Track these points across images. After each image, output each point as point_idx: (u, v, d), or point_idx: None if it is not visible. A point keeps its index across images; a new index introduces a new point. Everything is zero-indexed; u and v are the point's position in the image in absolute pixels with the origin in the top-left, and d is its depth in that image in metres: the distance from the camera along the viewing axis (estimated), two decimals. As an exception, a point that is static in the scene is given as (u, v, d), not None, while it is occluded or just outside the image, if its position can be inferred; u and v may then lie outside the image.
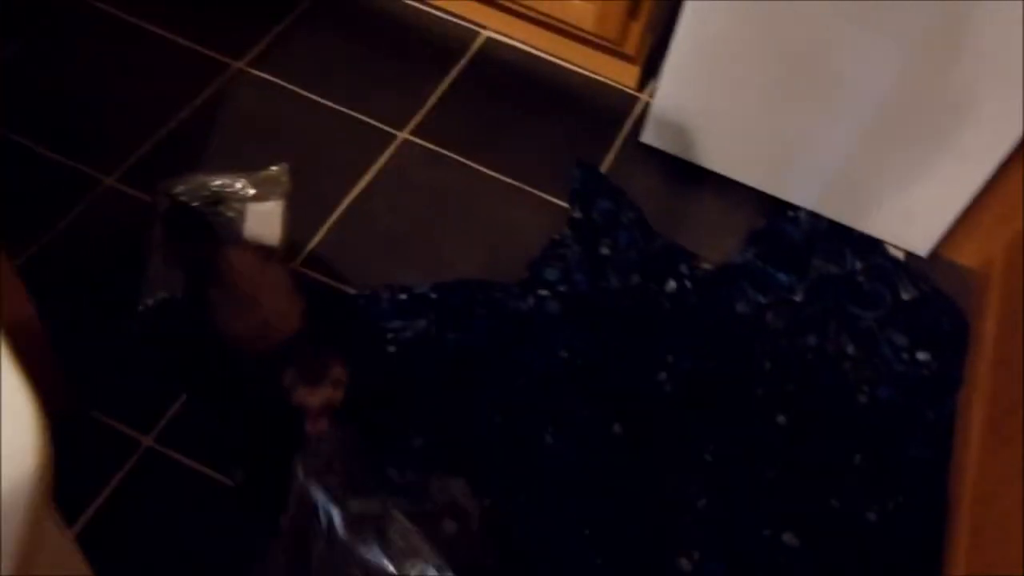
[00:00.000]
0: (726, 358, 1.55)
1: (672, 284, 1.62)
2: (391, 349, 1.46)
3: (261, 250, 1.49)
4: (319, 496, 1.22)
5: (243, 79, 1.85)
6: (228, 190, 1.61)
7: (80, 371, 1.35)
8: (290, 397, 1.27)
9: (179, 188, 1.59)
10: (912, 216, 1.73)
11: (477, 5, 1.99)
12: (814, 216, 1.79)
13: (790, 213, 1.79)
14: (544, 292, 1.54)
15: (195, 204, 1.58)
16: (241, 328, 1.34)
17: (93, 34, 1.87)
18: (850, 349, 1.62)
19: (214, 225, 1.57)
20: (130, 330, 1.43)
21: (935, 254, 1.78)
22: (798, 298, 1.67)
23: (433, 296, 1.52)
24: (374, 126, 1.82)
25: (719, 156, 1.81)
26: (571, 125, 1.90)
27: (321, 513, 1.21)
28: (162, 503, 1.31)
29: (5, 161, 1.63)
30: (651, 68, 1.98)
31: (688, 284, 1.62)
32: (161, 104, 1.78)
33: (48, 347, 1.23)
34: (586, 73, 1.99)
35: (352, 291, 1.55)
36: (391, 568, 1.19)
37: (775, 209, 1.80)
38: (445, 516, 1.26)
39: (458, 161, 1.79)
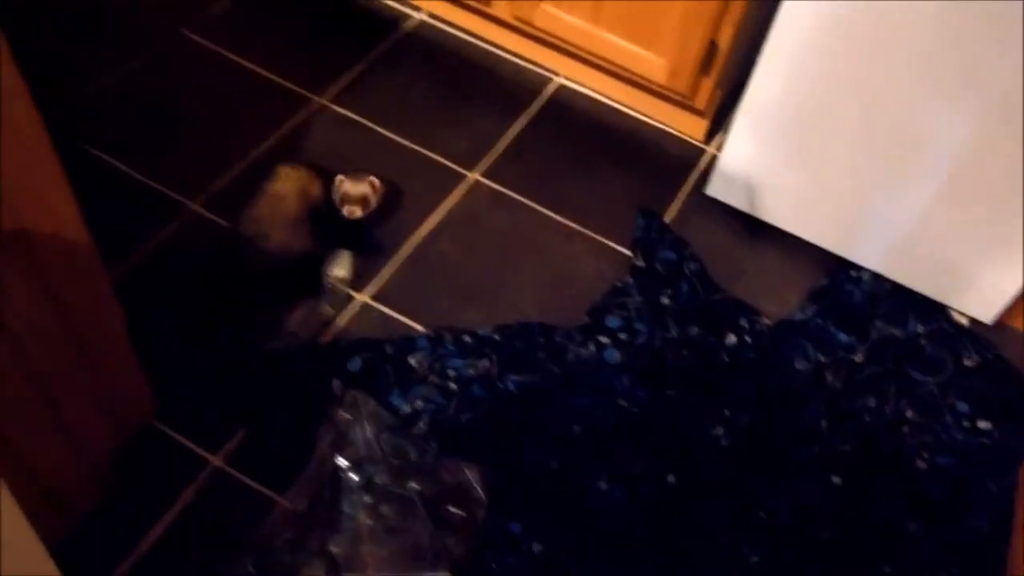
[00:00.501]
0: (783, 415, 1.56)
1: (732, 338, 1.63)
2: (452, 387, 1.49)
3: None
4: (338, 464, 1.35)
5: (324, 114, 1.92)
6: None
7: (159, 385, 1.41)
8: (337, 191, 1.61)
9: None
10: (977, 282, 1.72)
11: (551, 52, 2.04)
12: (877, 277, 1.79)
13: (853, 273, 1.80)
14: (605, 339, 1.57)
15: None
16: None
17: (191, 65, 1.97)
18: (910, 413, 1.62)
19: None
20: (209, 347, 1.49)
21: (1000, 322, 1.77)
22: (858, 359, 1.67)
23: (496, 338, 1.56)
24: (446, 166, 1.88)
25: (783, 212, 1.83)
26: (638, 174, 1.93)
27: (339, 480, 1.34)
28: (226, 522, 1.35)
29: (101, 182, 1.72)
30: (719, 121, 2.01)
31: (748, 339, 1.63)
32: (248, 134, 1.86)
33: (133, 360, 1.29)
34: (655, 123, 2.03)
35: (420, 328, 1.60)
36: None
37: (838, 268, 1.81)
38: (451, 501, 1.36)
39: (525, 204, 1.84)
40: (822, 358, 1.67)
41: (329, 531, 1.32)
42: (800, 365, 1.65)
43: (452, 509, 1.36)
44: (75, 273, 1.05)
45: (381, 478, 1.37)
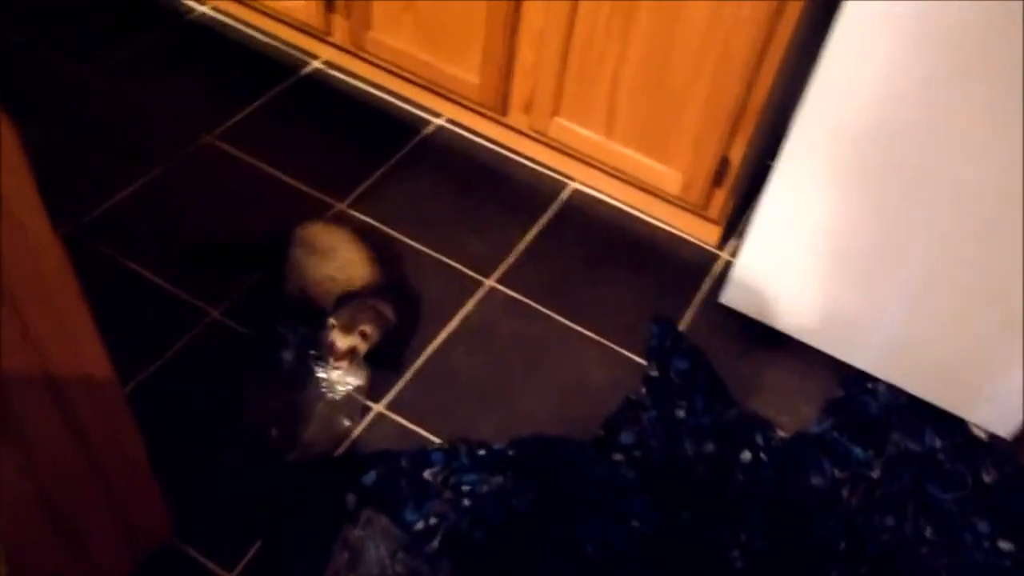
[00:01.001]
0: (800, 536, 1.54)
1: (747, 455, 1.63)
2: (466, 503, 1.49)
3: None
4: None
5: (341, 219, 1.96)
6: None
7: (177, 501, 1.41)
8: (325, 337, 1.56)
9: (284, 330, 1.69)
10: (995, 396, 1.72)
11: (566, 158, 2.08)
12: (893, 389, 1.79)
13: (869, 385, 1.79)
14: (619, 457, 1.57)
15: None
16: (316, 277, 1.65)
17: (213, 171, 2.02)
18: (928, 532, 1.59)
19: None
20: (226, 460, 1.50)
21: (1020, 436, 1.75)
22: (875, 474, 1.66)
23: (510, 453, 1.56)
24: (463, 272, 1.90)
25: (798, 322, 1.84)
26: (652, 280, 1.95)
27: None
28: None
29: (126, 289, 1.75)
30: (733, 225, 2.03)
31: (763, 456, 1.62)
32: (267, 239, 1.89)
33: (150, 476, 1.29)
34: (668, 229, 2.06)
35: (435, 439, 1.60)
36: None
37: (854, 379, 1.80)
38: None
39: (540, 311, 1.85)
40: (838, 473, 1.66)
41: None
42: (816, 481, 1.64)
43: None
44: (98, 407, 1.06)
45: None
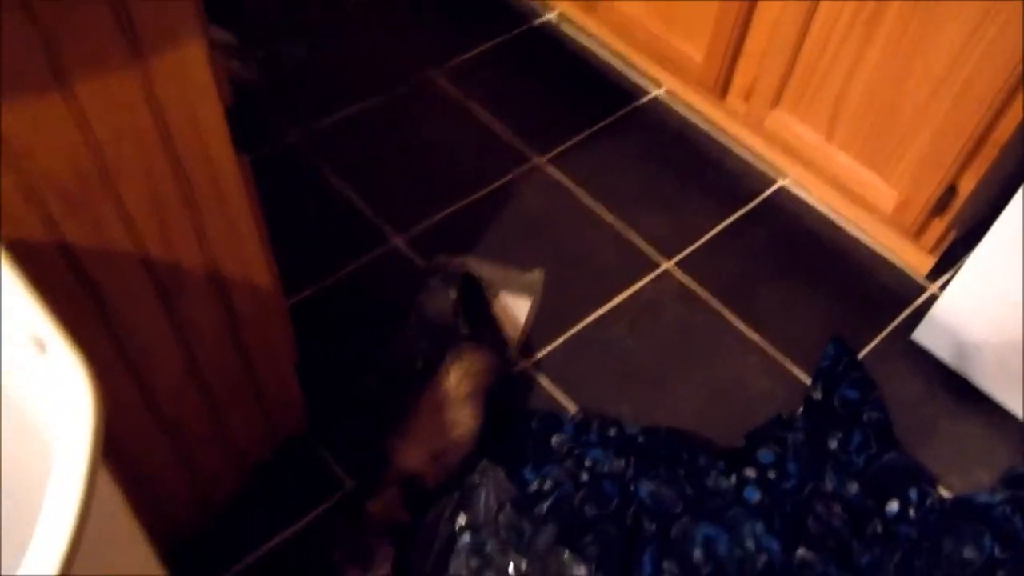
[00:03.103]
0: (931, 606, 1.41)
1: (894, 505, 1.50)
2: (584, 477, 1.49)
3: (484, 352, 1.56)
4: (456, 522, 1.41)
5: (538, 174, 1.98)
6: (486, 275, 1.73)
7: (316, 404, 1.52)
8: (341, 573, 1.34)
9: (449, 264, 1.75)
10: None
11: (782, 154, 1.97)
12: (1092, 478, 1.57)
13: (1063, 466, 1.59)
14: (751, 473, 1.50)
15: (456, 281, 1.72)
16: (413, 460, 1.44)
17: (429, 107, 2.10)
18: (1089, 645, 1.41)
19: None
20: (365, 385, 1.59)
21: None
22: (1042, 565, 1.48)
23: (641, 440, 1.54)
24: (641, 249, 1.87)
25: (997, 379, 1.65)
26: (842, 298, 1.82)
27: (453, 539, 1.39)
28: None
29: (324, 200, 1.88)
30: (950, 260, 1.85)
31: (912, 512, 1.49)
32: (461, 180, 1.95)
33: (294, 379, 1.41)
34: (876, 248, 1.90)
35: (571, 406, 1.61)
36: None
37: (1046, 456, 1.61)
38: None
39: (711, 305, 1.79)
40: (999, 553, 1.49)
41: (428, 580, 1.37)
42: (969, 554, 1.48)
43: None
44: (257, 310, 1.16)
45: (491, 546, 1.40)
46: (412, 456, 1.42)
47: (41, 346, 0.70)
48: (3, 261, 0.73)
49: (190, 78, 0.85)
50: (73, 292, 0.92)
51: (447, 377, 1.48)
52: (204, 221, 0.99)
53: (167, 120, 0.87)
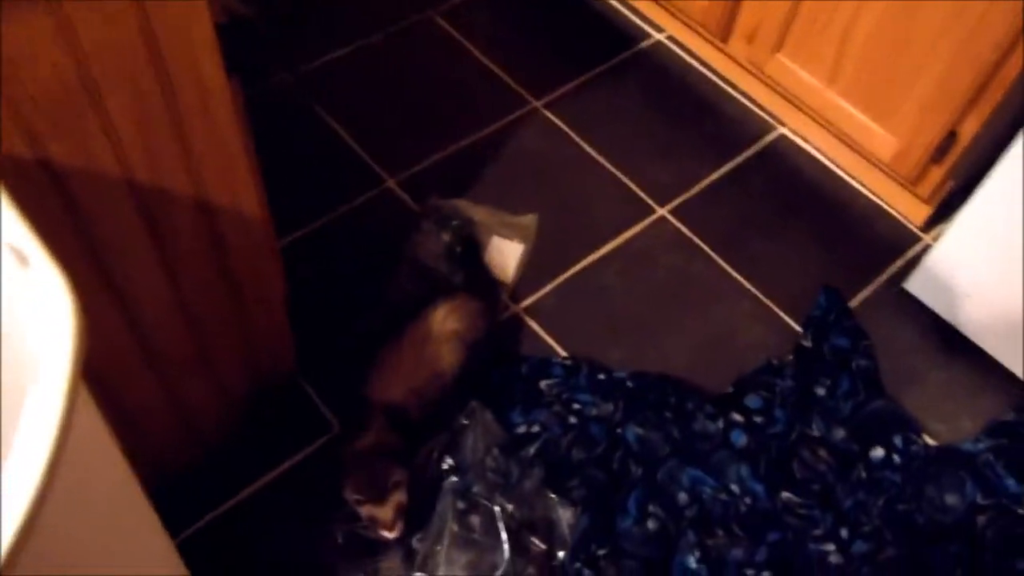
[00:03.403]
0: (913, 550, 1.43)
1: (879, 452, 1.51)
2: (572, 421, 1.50)
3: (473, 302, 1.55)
4: (442, 464, 1.42)
5: (535, 117, 1.96)
6: (480, 219, 1.72)
7: (306, 346, 1.52)
8: (358, 511, 1.33)
9: (443, 207, 1.74)
10: None
11: (782, 101, 1.95)
12: (1077, 429, 1.58)
13: (1049, 417, 1.60)
14: (738, 418, 1.50)
15: (449, 224, 1.71)
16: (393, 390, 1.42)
17: (427, 47, 2.07)
18: (1067, 590, 1.43)
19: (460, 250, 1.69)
20: (356, 327, 1.59)
21: None
22: (1022, 511, 1.49)
23: (629, 384, 1.54)
24: (637, 195, 1.86)
25: (986, 330, 1.65)
26: (836, 247, 1.82)
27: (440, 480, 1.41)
28: (331, 488, 1.43)
29: (319, 140, 1.86)
30: (945, 211, 1.83)
31: (896, 458, 1.50)
32: (457, 122, 1.93)
33: (284, 316, 1.40)
34: (872, 197, 1.89)
35: (562, 351, 1.61)
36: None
37: (1032, 406, 1.61)
38: (536, 532, 1.37)
39: (705, 252, 1.78)
40: (980, 500, 1.51)
41: (416, 524, 1.38)
42: (952, 500, 1.50)
43: (535, 540, 1.38)
44: (246, 241, 1.15)
45: (477, 488, 1.41)
46: (391, 388, 1.42)
47: (23, 259, 0.69)
48: (-17, 172, 0.72)
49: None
50: (56, 213, 0.91)
51: (434, 313, 1.47)
52: (192, 143, 0.97)
53: (156, 34, 0.85)
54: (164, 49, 0.87)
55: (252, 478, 1.43)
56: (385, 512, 1.31)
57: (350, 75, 2.00)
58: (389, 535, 1.33)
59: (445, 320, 1.47)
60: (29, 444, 0.61)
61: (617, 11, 2.18)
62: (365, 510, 1.32)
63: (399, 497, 1.32)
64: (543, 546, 1.37)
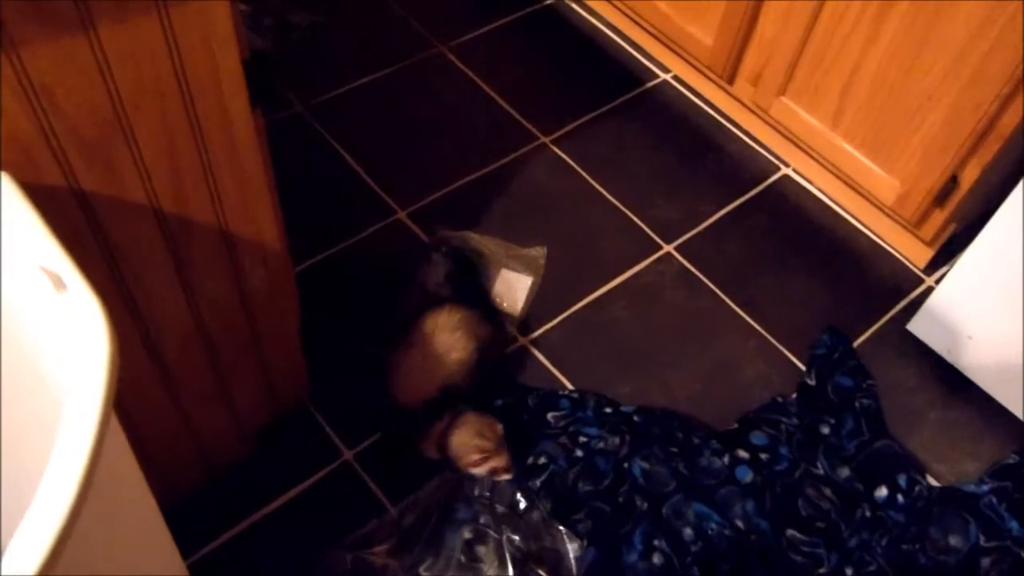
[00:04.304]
0: (916, 591, 1.44)
1: (883, 491, 1.52)
2: (579, 453, 1.51)
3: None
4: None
5: (543, 153, 1.99)
6: (489, 251, 1.74)
7: (317, 373, 1.53)
8: (459, 465, 1.42)
9: (452, 238, 1.76)
10: None
11: (786, 142, 1.98)
12: (1079, 472, 1.59)
13: (1051, 459, 1.61)
14: (744, 455, 1.51)
15: (457, 255, 1.73)
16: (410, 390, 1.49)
17: (438, 81, 2.10)
18: (1069, 634, 1.43)
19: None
20: (369, 352, 1.60)
21: None
22: (1026, 555, 1.50)
23: (636, 419, 1.55)
24: (643, 231, 1.88)
25: (988, 372, 1.67)
26: (840, 287, 1.84)
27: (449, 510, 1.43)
28: (339, 512, 1.45)
29: (331, 170, 1.89)
30: (947, 253, 1.86)
31: (900, 498, 1.51)
32: (466, 155, 1.96)
33: (298, 344, 1.41)
34: (875, 238, 1.92)
35: (568, 384, 1.63)
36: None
37: (1034, 449, 1.63)
38: (542, 564, 1.38)
39: (710, 289, 1.80)
40: (984, 542, 1.51)
41: (425, 553, 1.39)
42: (954, 542, 1.51)
43: (540, 572, 1.38)
44: (264, 270, 1.17)
45: (484, 518, 1.41)
46: (423, 385, 1.47)
47: (60, 284, 0.71)
48: (21, 196, 0.74)
49: (212, 26, 0.85)
50: (85, 240, 0.93)
51: (438, 312, 1.52)
52: (217, 175, 0.99)
53: (186, 68, 0.87)
54: (193, 83, 0.90)
55: (261, 503, 1.43)
56: (501, 459, 1.41)
57: (363, 108, 2.03)
58: (509, 476, 1.42)
59: (450, 314, 1.53)
60: (64, 463, 0.63)
61: (624, 51, 2.22)
62: (486, 466, 1.41)
63: (503, 461, 1.42)
64: (548, 578, 1.38)
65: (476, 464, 1.41)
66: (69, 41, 0.77)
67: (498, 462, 1.43)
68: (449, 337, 1.49)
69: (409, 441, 1.48)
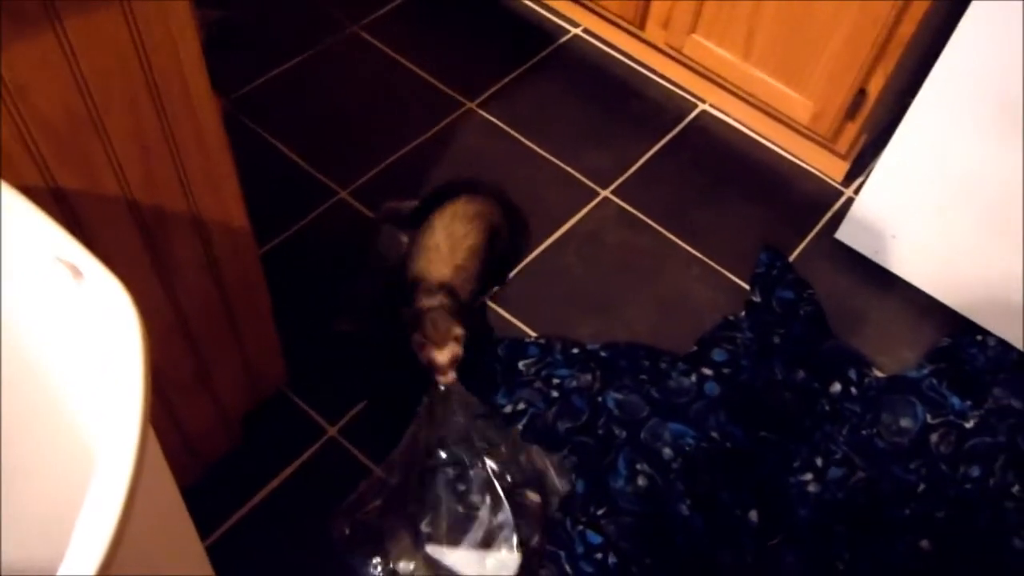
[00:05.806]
0: (879, 471, 1.55)
1: (837, 386, 1.64)
2: (554, 395, 1.57)
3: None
4: (430, 441, 1.48)
5: (471, 117, 2.03)
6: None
7: (292, 355, 1.55)
8: (421, 355, 1.49)
9: (400, 208, 1.79)
10: (1114, 366, 1.65)
11: (699, 80, 2.07)
12: (1004, 345, 1.74)
13: (978, 337, 1.75)
14: (708, 371, 1.61)
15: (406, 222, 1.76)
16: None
17: (357, 61, 2.12)
18: (1016, 489, 1.57)
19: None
20: (334, 326, 1.63)
21: None
22: (969, 425, 1.64)
23: (603, 355, 1.63)
24: (580, 180, 1.95)
25: (914, 266, 1.80)
26: (768, 208, 1.94)
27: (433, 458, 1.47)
28: (331, 485, 1.48)
29: (267, 162, 1.89)
30: (861, 164, 1.99)
31: (853, 390, 1.63)
32: (397, 129, 1.99)
33: (272, 326, 1.43)
34: (794, 159, 2.03)
35: (532, 333, 1.69)
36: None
37: (963, 330, 1.77)
38: (529, 486, 1.45)
39: (651, 226, 1.89)
40: (931, 419, 1.64)
41: (421, 508, 1.43)
42: (905, 423, 1.63)
43: (529, 494, 1.44)
44: (235, 252, 1.19)
45: (467, 458, 1.46)
46: (441, 267, 1.56)
47: (77, 272, 0.73)
48: (21, 196, 0.75)
49: (173, 15, 0.87)
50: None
51: (455, 201, 1.64)
52: (185, 159, 1.01)
53: (151, 57, 0.89)
54: (157, 70, 0.91)
55: (255, 490, 1.46)
56: (443, 356, 1.47)
57: (286, 96, 2.03)
58: (443, 380, 1.48)
59: (467, 204, 1.65)
60: (117, 450, 0.64)
61: (533, 11, 2.27)
62: (425, 352, 1.48)
63: (456, 349, 1.48)
64: (537, 498, 1.44)
65: (417, 346, 1.49)
66: (39, 39, 0.78)
67: (437, 356, 1.47)
68: (465, 226, 1.61)
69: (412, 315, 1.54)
